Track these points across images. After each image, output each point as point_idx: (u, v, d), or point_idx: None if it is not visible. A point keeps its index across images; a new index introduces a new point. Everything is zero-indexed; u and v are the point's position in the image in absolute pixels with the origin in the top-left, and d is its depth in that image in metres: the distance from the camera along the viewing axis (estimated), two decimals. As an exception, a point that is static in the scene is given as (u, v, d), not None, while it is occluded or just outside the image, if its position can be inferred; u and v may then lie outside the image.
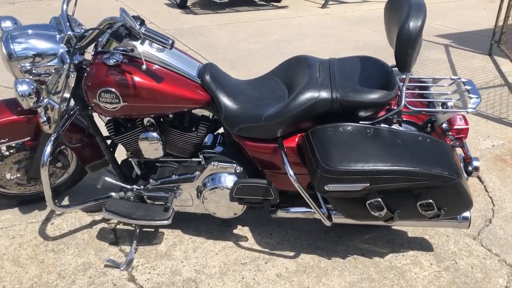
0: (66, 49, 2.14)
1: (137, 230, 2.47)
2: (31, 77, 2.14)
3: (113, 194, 2.46)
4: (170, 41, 1.91)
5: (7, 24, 2.28)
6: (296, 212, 2.35)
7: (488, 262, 2.37)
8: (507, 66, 5.32)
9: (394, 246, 2.49)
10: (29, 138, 2.43)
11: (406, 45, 1.87)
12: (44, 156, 2.14)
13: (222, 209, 2.35)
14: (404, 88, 2.06)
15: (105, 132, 2.34)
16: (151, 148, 2.25)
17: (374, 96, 2.03)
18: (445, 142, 2.08)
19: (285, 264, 2.36)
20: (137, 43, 1.94)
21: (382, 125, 2.10)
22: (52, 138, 2.16)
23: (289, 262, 2.38)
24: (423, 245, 2.50)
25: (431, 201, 1.99)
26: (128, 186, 2.39)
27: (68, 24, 2.17)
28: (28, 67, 2.11)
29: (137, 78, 2.06)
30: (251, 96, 2.23)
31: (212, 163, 2.27)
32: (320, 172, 1.95)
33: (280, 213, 2.36)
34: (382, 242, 2.51)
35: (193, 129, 2.28)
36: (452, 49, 6.14)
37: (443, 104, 2.11)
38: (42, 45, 2.12)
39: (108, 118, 2.30)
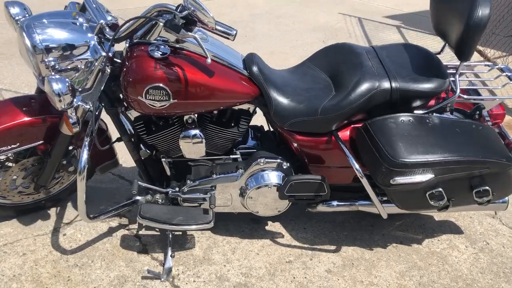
0: (97, 40, 1.87)
1: (170, 235, 2.28)
2: (54, 73, 1.85)
3: (139, 198, 2.24)
4: (234, 32, 1.74)
5: (16, 10, 1.96)
6: (340, 205, 2.28)
7: (515, 240, 2.48)
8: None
9: (426, 231, 2.52)
10: (41, 141, 2.12)
11: (475, 33, 1.85)
12: (81, 162, 1.88)
13: (267, 208, 2.23)
14: (458, 76, 2.05)
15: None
16: (194, 147, 2.06)
17: (432, 85, 2.00)
18: (493, 129, 2.11)
19: (330, 259, 2.30)
20: (196, 34, 1.73)
21: (435, 114, 2.09)
22: (87, 142, 1.90)
23: (334, 256, 2.32)
24: (452, 228, 2.55)
25: (487, 188, 2.02)
26: (163, 190, 2.18)
27: (98, 11, 1.90)
28: (52, 62, 1.82)
29: (188, 73, 1.86)
30: (297, 88, 2.11)
31: (258, 159, 2.13)
32: (386, 165, 1.90)
33: (322, 208, 2.28)
34: (414, 228, 2.53)
35: (234, 125, 2.12)
36: (404, 30, 6.33)
37: (490, 91, 2.14)
38: (70, 36, 1.84)
39: (136, 116, 2.07)
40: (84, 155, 1.88)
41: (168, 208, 2.18)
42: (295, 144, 2.12)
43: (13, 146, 2.06)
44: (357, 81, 1.99)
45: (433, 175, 1.95)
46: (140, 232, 2.40)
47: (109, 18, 1.89)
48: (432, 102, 2.10)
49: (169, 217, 2.12)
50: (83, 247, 2.29)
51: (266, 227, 2.48)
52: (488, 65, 2.31)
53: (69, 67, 1.86)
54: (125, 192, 2.63)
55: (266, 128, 2.38)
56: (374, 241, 2.43)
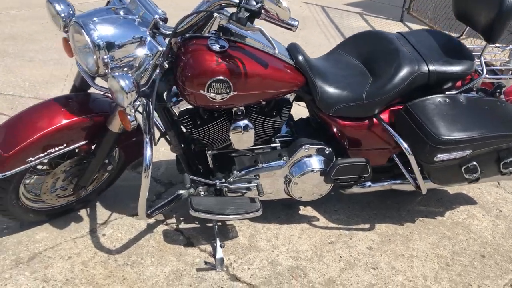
0: (151, 35, 1.86)
1: (216, 226, 2.30)
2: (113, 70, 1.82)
3: (182, 192, 2.25)
4: (296, 23, 1.79)
5: (61, 7, 1.91)
6: (373, 186, 2.39)
7: (522, 206, 2.72)
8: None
9: (445, 204, 2.70)
10: (85, 141, 2.08)
11: (506, 18, 2.01)
12: (146, 159, 1.86)
13: (310, 192, 2.31)
14: (482, 58, 2.22)
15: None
16: (245, 137, 2.10)
17: (463, 67, 2.16)
18: None
19: (368, 237, 2.42)
20: (261, 27, 1.76)
21: (463, 94, 2.24)
22: (147, 138, 1.89)
23: (370, 234, 2.45)
24: (467, 200, 2.76)
25: (512, 159, 2.22)
26: (211, 181, 2.21)
27: (149, 5, 1.88)
28: (111, 59, 1.79)
29: (248, 65, 1.89)
30: (337, 75, 2.19)
31: (303, 146, 2.20)
32: (431, 143, 2.03)
33: (356, 189, 2.39)
34: (434, 202, 2.71)
35: (277, 114, 2.18)
36: (366, 16, 6.58)
37: (506, 71, 2.33)
38: (127, 32, 1.81)
39: (181, 110, 2.09)
40: (148, 151, 1.87)
41: (216, 199, 2.21)
42: (338, 129, 2.21)
43: (60, 147, 2.00)
44: (397, 66, 2.11)
45: (471, 150, 2.11)
46: (181, 226, 2.40)
47: (160, 11, 1.88)
48: (459, 83, 2.26)
49: (220, 208, 2.15)
50: (128, 245, 2.26)
51: (300, 212, 2.56)
52: (499, 46, 2.49)
53: (125, 64, 1.84)
54: (152, 188, 2.61)
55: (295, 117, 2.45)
56: (402, 217, 2.58)
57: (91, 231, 2.33)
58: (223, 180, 2.22)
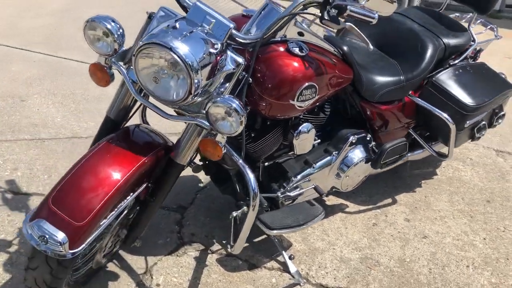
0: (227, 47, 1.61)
1: (276, 240, 2.17)
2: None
3: (235, 213, 2.05)
4: (376, 15, 1.74)
5: (112, 25, 1.54)
6: (400, 161, 2.48)
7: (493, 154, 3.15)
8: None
9: (431, 164, 2.97)
10: (146, 183, 1.73)
11: None
12: (253, 186, 1.64)
13: (357, 181, 2.31)
14: (471, 28, 2.47)
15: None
16: (308, 141, 1.99)
17: (466, 38, 2.38)
18: None
19: (398, 210, 2.55)
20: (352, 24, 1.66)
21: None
22: (243, 162, 1.66)
23: (398, 207, 2.58)
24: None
25: (504, 111, 2.55)
26: (273, 195, 2.05)
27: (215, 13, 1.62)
28: (200, 83, 1.51)
29: (326, 65, 1.79)
30: (368, 62, 2.20)
31: (350, 137, 2.18)
32: (464, 112, 2.23)
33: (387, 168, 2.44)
34: (421, 164, 2.95)
35: (321, 111, 2.12)
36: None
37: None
38: (205, 47, 1.53)
39: None
40: (251, 176, 1.65)
41: (282, 212, 2.06)
42: (377, 115, 2.23)
43: (127, 198, 1.64)
44: (423, 45, 2.22)
45: (486, 112, 2.36)
46: (229, 250, 2.19)
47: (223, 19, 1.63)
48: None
49: (293, 219, 2.02)
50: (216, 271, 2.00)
51: (327, 203, 2.55)
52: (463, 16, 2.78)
53: (209, 83, 1.57)
54: (164, 217, 2.32)
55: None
56: (409, 186, 2.76)
57: (139, 285, 1.98)
58: (282, 190, 2.08)
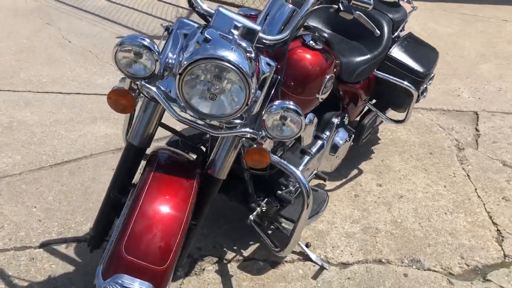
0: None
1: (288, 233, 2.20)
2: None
3: (251, 217, 2.04)
4: (371, 0, 1.84)
5: (148, 41, 1.39)
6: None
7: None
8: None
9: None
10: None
11: None
12: (305, 185, 1.64)
13: (341, 159, 2.43)
14: (402, 3, 2.72)
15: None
16: (312, 131, 2.05)
17: (404, 12, 2.62)
18: None
19: (367, 178, 2.75)
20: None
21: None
22: (290, 164, 1.65)
23: (366, 175, 2.77)
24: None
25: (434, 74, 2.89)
26: (285, 191, 2.06)
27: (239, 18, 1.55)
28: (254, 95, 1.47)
29: (333, 55, 1.84)
30: (337, 44, 2.30)
31: (334, 120, 2.27)
32: (419, 78, 2.48)
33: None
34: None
35: None
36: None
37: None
38: (245, 53, 1.47)
39: None
40: (302, 177, 1.66)
41: (295, 205, 2.09)
42: (351, 94, 2.36)
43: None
44: (377, 22, 2.37)
45: (431, 76, 2.65)
46: (245, 254, 2.18)
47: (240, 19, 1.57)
48: (388, 27, 2.71)
49: (313, 210, 2.07)
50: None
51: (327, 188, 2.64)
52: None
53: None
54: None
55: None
56: (364, 154, 2.98)
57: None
58: (291, 184, 2.11)
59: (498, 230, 2.42)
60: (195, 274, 2.06)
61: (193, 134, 2.08)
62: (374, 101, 2.71)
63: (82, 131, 3.00)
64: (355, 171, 2.79)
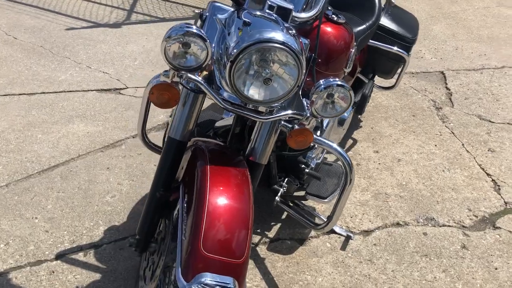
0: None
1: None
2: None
3: (277, 198, 2.04)
4: None
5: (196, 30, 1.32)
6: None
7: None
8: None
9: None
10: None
11: None
12: (347, 159, 1.65)
13: (346, 129, 2.46)
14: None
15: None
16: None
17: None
18: None
19: (363, 146, 2.81)
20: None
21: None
22: (333, 143, 1.65)
23: (361, 144, 2.83)
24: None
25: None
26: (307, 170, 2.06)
27: None
28: None
29: (350, 29, 1.84)
30: None
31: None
32: (408, 44, 2.55)
33: None
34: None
35: None
36: None
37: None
38: (289, 33, 1.44)
39: None
40: (344, 153, 1.66)
41: (316, 181, 2.11)
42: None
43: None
44: None
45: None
46: (271, 235, 2.17)
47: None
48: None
49: (331, 184, 2.09)
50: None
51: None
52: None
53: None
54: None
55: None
56: (353, 124, 3.02)
57: None
58: (310, 160, 2.11)
59: (493, 180, 2.57)
60: (226, 262, 2.02)
61: (201, 122, 2.03)
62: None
63: (61, 132, 2.81)
64: (350, 141, 2.84)
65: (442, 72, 3.67)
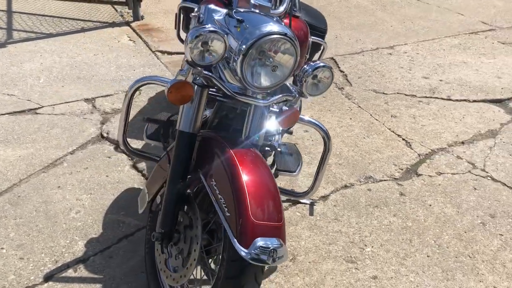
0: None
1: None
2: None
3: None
4: None
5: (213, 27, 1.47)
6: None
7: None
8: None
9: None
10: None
11: None
12: (324, 129, 1.91)
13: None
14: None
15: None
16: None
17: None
18: None
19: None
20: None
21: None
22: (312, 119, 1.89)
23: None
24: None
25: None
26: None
27: None
28: None
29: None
30: None
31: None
32: (323, 34, 2.93)
33: None
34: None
35: None
36: None
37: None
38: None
39: None
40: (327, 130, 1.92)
41: (279, 157, 2.34)
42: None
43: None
44: None
45: (324, 30, 3.12)
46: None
47: None
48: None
49: (294, 158, 2.35)
50: None
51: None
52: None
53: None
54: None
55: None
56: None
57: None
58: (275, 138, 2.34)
59: (403, 139, 3.06)
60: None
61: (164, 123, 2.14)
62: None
63: (-10, 160, 2.65)
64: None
65: (332, 58, 4.16)
